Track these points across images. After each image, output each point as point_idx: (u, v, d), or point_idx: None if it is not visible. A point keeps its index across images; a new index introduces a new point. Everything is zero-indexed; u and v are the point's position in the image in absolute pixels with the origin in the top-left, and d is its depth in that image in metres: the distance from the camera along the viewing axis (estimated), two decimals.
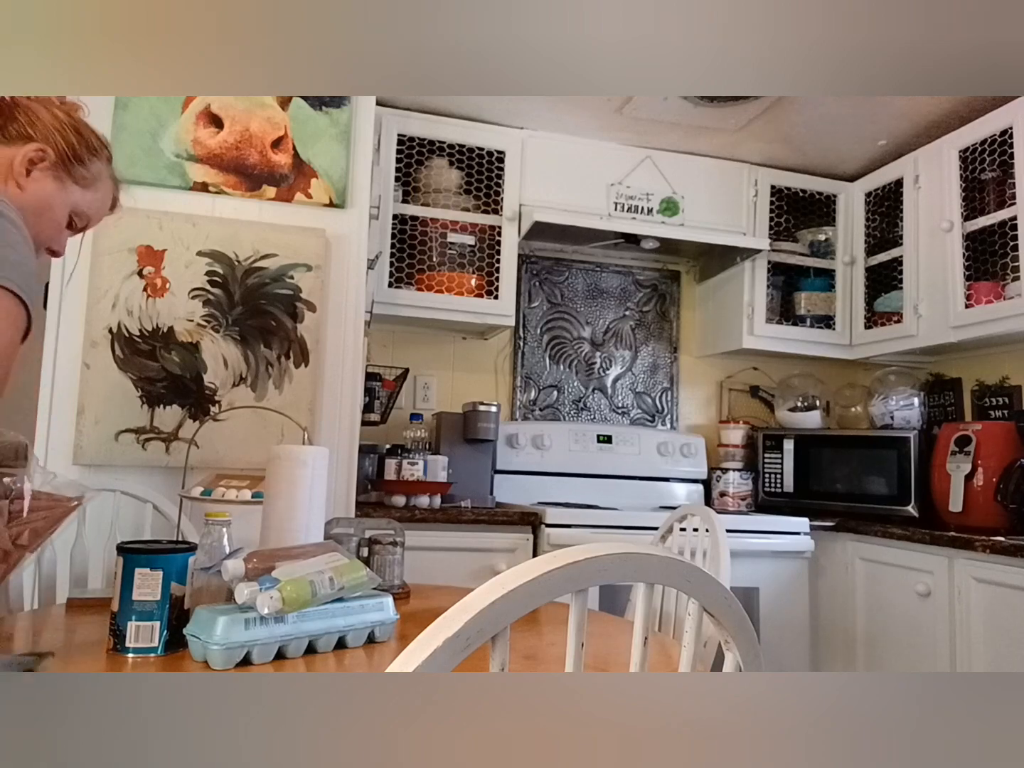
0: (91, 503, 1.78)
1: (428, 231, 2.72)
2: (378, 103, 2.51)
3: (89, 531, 1.73)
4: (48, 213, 1.18)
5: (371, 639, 1.17)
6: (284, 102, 2.18)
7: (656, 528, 2.02)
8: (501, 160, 2.77)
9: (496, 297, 2.71)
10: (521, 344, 3.09)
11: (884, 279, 2.94)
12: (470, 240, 2.74)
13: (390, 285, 2.62)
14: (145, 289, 2.04)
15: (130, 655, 1.05)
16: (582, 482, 2.94)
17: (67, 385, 1.97)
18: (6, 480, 0.97)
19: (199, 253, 2.08)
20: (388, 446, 2.65)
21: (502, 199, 2.75)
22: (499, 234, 2.74)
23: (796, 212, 3.08)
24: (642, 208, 2.86)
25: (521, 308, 3.07)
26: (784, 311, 3.08)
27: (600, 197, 2.83)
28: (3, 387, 0.96)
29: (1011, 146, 2.39)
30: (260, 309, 2.11)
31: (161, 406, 2.02)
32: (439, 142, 2.74)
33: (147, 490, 1.83)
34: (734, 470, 3.01)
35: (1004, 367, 2.78)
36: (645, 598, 0.62)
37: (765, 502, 2.97)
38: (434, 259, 2.71)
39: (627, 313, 3.21)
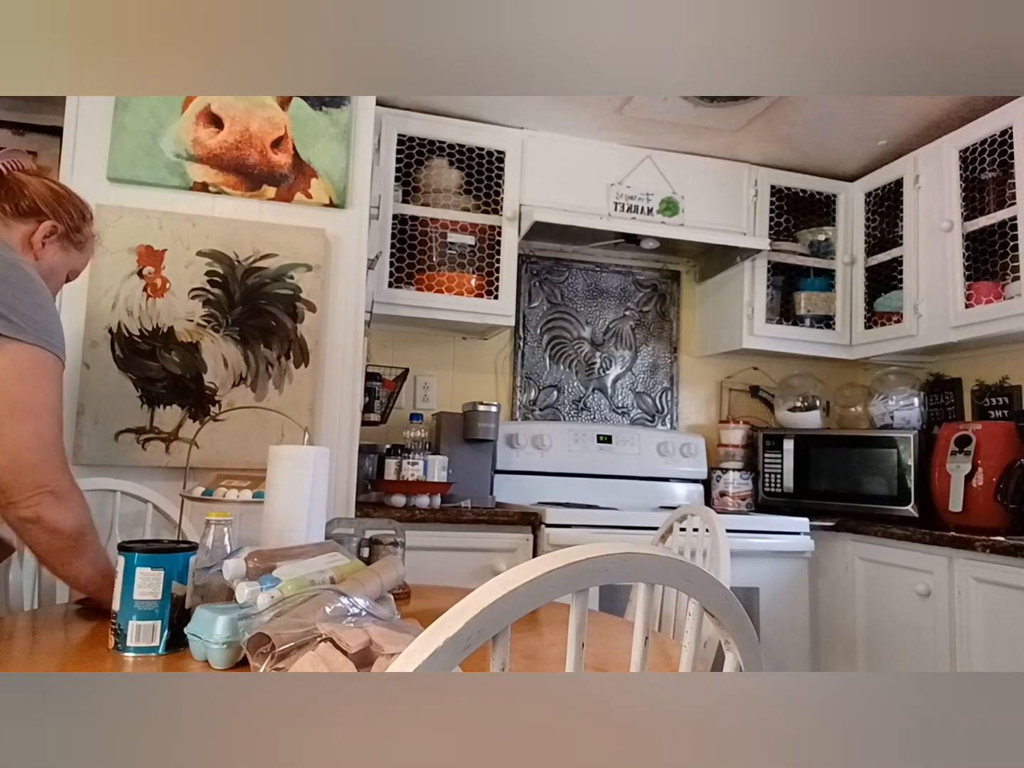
0: (91, 503, 1.78)
1: (428, 231, 2.72)
2: (378, 103, 2.51)
3: None
4: (55, 277, 1.40)
5: None
6: (284, 102, 2.18)
7: (656, 528, 2.02)
8: (501, 160, 2.77)
9: (496, 297, 2.71)
10: (521, 344, 3.09)
11: (884, 279, 2.94)
12: (470, 240, 2.74)
13: (390, 285, 2.62)
14: (145, 289, 2.04)
15: (131, 654, 1.05)
16: (582, 482, 2.94)
17: (67, 385, 1.97)
18: None
19: (199, 253, 2.08)
20: (388, 446, 2.65)
21: (502, 199, 2.75)
22: (499, 234, 2.74)
23: (796, 212, 3.08)
24: (642, 208, 2.86)
25: (521, 308, 3.07)
26: (784, 311, 3.08)
27: (600, 197, 2.83)
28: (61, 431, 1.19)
29: (1011, 146, 2.39)
30: (260, 309, 2.11)
31: (161, 406, 2.02)
32: (439, 142, 2.74)
33: (147, 490, 1.83)
34: (734, 470, 3.01)
35: (1004, 367, 2.78)
36: (645, 598, 0.62)
37: (765, 502, 2.97)
38: (434, 259, 2.71)
39: (627, 313, 3.21)
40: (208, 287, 2.08)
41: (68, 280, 1.47)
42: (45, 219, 1.36)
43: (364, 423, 2.43)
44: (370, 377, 2.61)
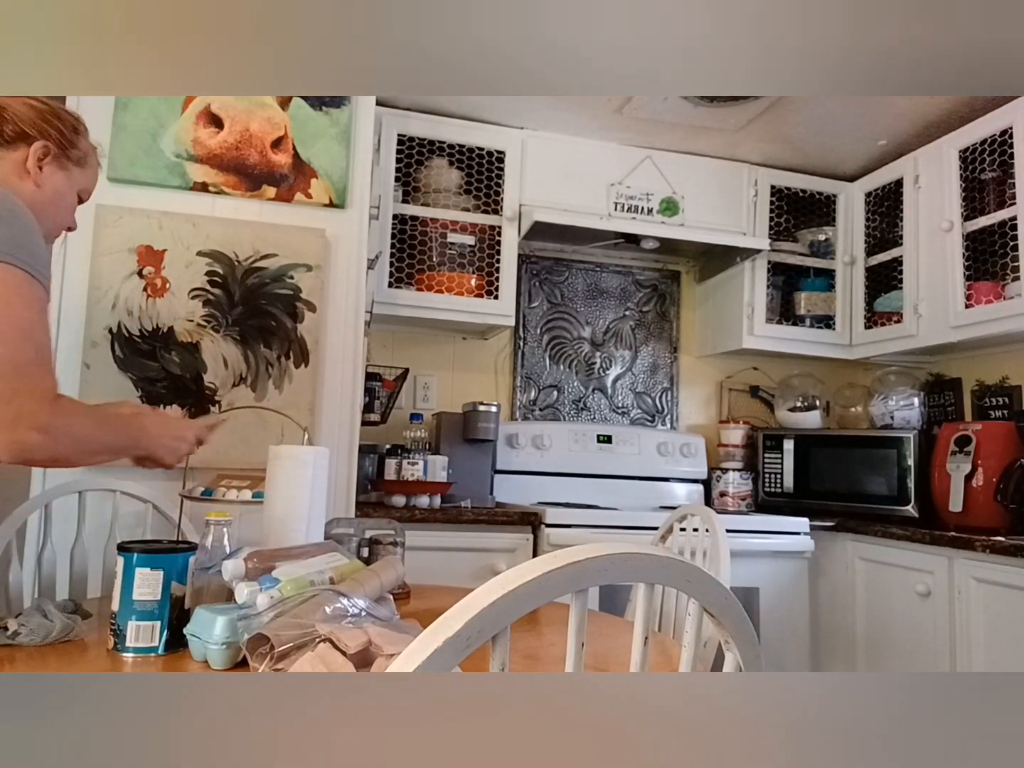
0: (91, 503, 1.78)
1: (428, 231, 2.72)
2: (378, 103, 2.50)
3: (89, 531, 1.73)
4: (63, 200, 1.31)
5: None
6: (284, 102, 2.18)
7: (656, 528, 2.01)
8: (501, 160, 2.77)
9: (496, 297, 2.71)
10: (521, 344, 3.09)
11: (884, 279, 2.94)
12: (470, 240, 2.74)
13: (390, 285, 2.62)
14: (145, 289, 2.04)
15: (130, 655, 1.05)
16: (582, 482, 2.94)
17: (67, 385, 1.97)
18: None
19: (199, 253, 2.08)
20: (388, 446, 2.65)
21: (502, 199, 2.75)
22: (499, 234, 2.74)
23: (796, 212, 3.08)
24: (642, 208, 2.86)
25: (521, 308, 3.07)
26: (784, 311, 3.08)
27: (600, 197, 2.83)
28: (46, 357, 1.05)
29: (1011, 146, 2.39)
30: (260, 309, 2.11)
31: (161, 406, 2.02)
32: (439, 142, 2.74)
33: (147, 490, 1.83)
34: (734, 470, 3.01)
35: (1004, 367, 2.78)
36: (645, 598, 0.62)
37: (765, 502, 2.97)
38: (434, 259, 2.71)
39: (627, 313, 3.21)
40: (208, 287, 2.08)
41: (81, 201, 1.38)
42: (34, 141, 1.25)
43: (364, 423, 2.43)
44: (370, 377, 2.61)
